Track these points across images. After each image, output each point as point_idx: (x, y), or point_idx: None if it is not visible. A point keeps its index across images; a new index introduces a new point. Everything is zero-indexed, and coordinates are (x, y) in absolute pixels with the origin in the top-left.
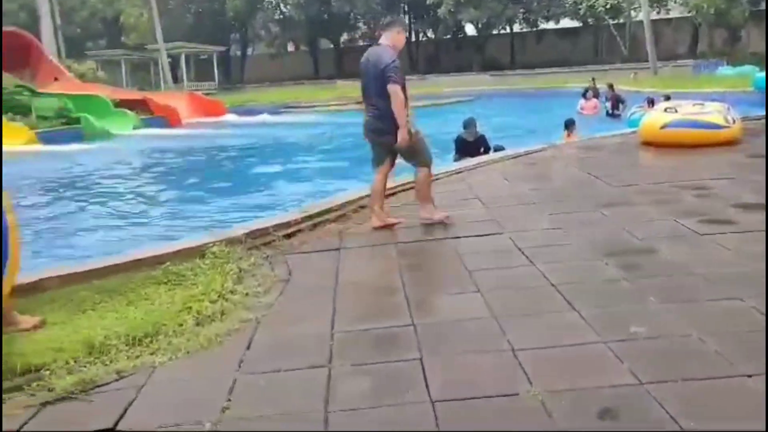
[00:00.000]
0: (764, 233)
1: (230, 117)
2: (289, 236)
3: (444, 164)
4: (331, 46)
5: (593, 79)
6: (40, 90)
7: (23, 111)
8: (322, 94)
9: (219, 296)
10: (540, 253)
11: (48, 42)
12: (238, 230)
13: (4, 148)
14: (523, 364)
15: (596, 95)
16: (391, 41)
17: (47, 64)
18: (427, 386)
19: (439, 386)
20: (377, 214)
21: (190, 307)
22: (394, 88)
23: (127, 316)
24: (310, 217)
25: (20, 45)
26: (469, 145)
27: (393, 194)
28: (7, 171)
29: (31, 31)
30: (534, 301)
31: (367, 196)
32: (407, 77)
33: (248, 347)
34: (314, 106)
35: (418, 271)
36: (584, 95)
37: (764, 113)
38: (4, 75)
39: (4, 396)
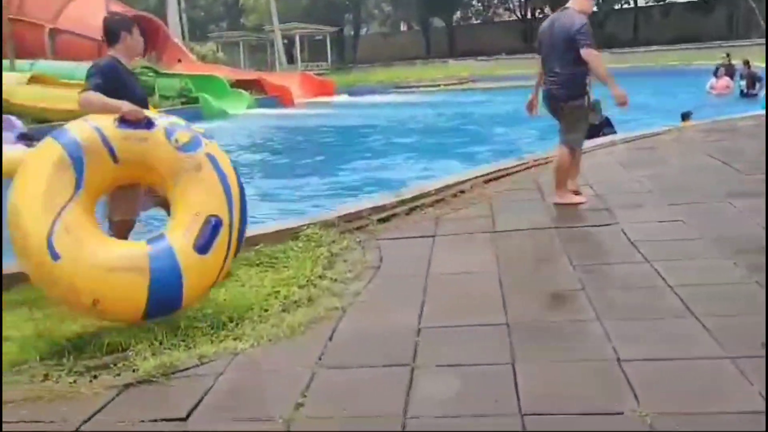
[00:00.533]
0: None
1: (340, 97)
2: (383, 220)
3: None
4: (444, 24)
5: (728, 55)
6: (163, 71)
7: (148, 91)
8: (432, 74)
9: (308, 281)
10: (656, 248)
11: (173, 25)
12: (333, 213)
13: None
14: (629, 378)
15: (730, 73)
16: (578, 5)
17: (172, 47)
18: (517, 396)
19: (531, 397)
20: (561, 190)
21: (278, 291)
22: (588, 52)
23: (216, 297)
24: (405, 201)
25: (148, 29)
26: (593, 128)
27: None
28: None
29: (159, 15)
30: (646, 304)
31: (465, 180)
32: (521, 55)
33: (330, 338)
34: (423, 86)
35: (517, 264)
36: (715, 73)
37: None
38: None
39: (90, 372)
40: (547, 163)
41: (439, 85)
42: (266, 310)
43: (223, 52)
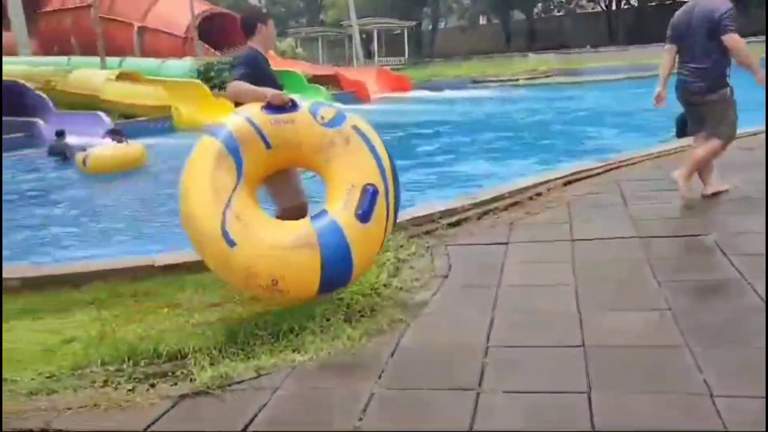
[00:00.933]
0: None
1: (416, 92)
2: (454, 225)
3: (654, 143)
4: (524, 17)
5: None
6: None
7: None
8: (511, 68)
9: (372, 289)
10: (754, 263)
11: None
12: (402, 215)
13: (212, 121)
14: (722, 415)
15: None
16: None
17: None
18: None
19: None
20: (708, 179)
21: (341, 299)
22: (732, 37)
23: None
24: (478, 205)
25: (228, 25)
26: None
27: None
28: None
29: (240, 12)
30: (743, 330)
31: (543, 183)
32: (606, 48)
33: (392, 354)
34: (502, 81)
35: (594, 278)
36: None
37: None
38: (214, 53)
39: (149, 380)
40: (632, 164)
41: (518, 80)
42: (328, 320)
43: (302, 48)
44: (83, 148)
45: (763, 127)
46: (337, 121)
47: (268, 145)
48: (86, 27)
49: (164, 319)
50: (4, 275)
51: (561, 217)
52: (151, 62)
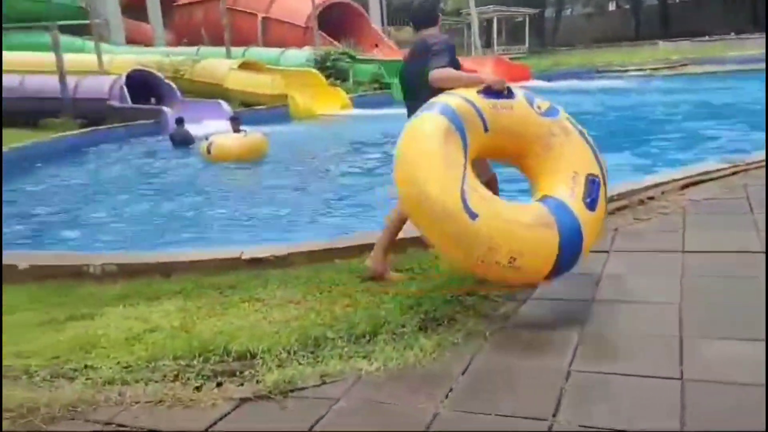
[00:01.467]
0: None
1: (536, 82)
2: None
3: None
4: (656, 2)
5: None
6: (360, 56)
7: (344, 76)
8: (639, 57)
9: (454, 296)
10: None
11: (374, 11)
12: None
13: (326, 111)
14: None
15: None
16: None
17: (370, 32)
18: None
19: None
20: None
21: (421, 304)
22: None
23: (356, 305)
24: None
25: (348, 14)
26: None
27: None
28: (318, 132)
29: (361, 1)
30: None
31: (657, 185)
32: (745, 35)
33: (464, 372)
34: (629, 71)
35: (706, 297)
36: None
37: None
38: (332, 43)
39: (216, 378)
40: (763, 167)
41: (645, 70)
42: (403, 326)
43: None
44: (206, 137)
45: None
46: (552, 111)
47: (486, 129)
48: (215, 19)
49: (243, 315)
50: (104, 261)
51: (674, 225)
52: (272, 52)
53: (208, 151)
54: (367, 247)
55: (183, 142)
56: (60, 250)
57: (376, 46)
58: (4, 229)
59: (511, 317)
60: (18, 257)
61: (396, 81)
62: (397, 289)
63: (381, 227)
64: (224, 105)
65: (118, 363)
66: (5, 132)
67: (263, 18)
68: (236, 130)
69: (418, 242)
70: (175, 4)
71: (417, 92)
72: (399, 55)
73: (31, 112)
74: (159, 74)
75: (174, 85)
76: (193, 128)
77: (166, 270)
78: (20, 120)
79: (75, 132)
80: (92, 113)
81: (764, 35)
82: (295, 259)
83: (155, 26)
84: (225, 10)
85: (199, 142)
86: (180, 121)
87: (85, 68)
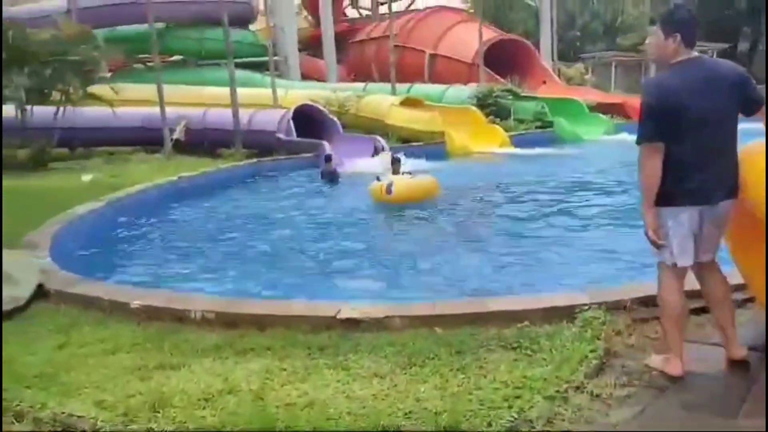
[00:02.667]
0: None
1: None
2: (701, 311)
3: None
4: None
5: None
6: (524, 94)
7: (505, 114)
8: None
9: (558, 391)
10: None
11: (545, 47)
12: (627, 291)
13: (483, 148)
14: None
15: None
16: None
17: (538, 69)
18: None
19: None
20: None
21: (519, 397)
22: None
23: (446, 388)
24: (743, 286)
25: (516, 51)
26: None
27: None
28: (472, 171)
29: (533, 37)
30: None
31: None
32: None
33: None
34: None
35: None
36: None
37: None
38: (498, 79)
39: None
40: None
41: None
42: (490, 425)
43: (595, 74)
44: (378, 177)
45: None
46: None
47: None
48: (385, 55)
49: (323, 384)
50: (205, 308)
51: None
52: (436, 88)
53: (388, 192)
54: (466, 318)
55: (331, 178)
56: (176, 289)
57: (544, 82)
58: (143, 260)
59: (618, 427)
60: (132, 295)
61: (560, 119)
62: (496, 373)
63: (530, 289)
64: (379, 140)
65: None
66: (187, 159)
67: (431, 54)
68: (395, 172)
69: (536, 314)
70: (350, 41)
71: None
72: (566, 92)
73: (211, 142)
74: (323, 109)
75: (336, 120)
76: (349, 162)
77: (261, 322)
78: (202, 149)
79: (240, 163)
80: (263, 145)
81: None
82: (391, 323)
83: (329, 63)
84: (393, 47)
85: (374, 183)
86: (328, 158)
87: (261, 102)
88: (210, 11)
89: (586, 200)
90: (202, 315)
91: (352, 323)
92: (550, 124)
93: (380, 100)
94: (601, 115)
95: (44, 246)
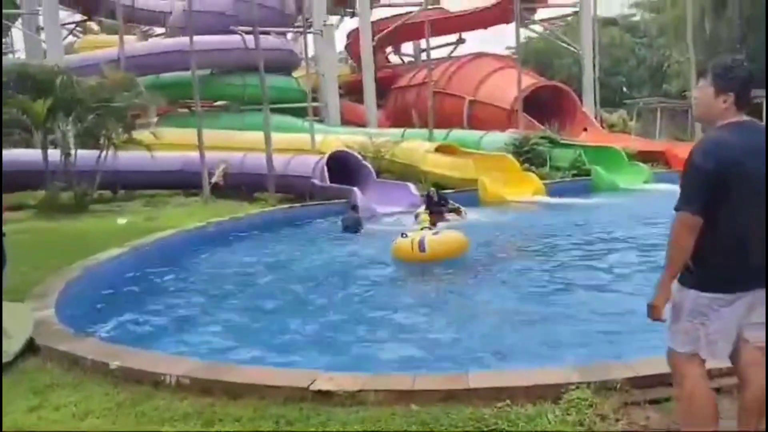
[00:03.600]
0: None
1: None
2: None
3: None
4: None
5: None
6: (562, 141)
7: (542, 161)
8: None
9: None
10: None
11: (587, 93)
12: (619, 369)
13: (517, 196)
14: None
15: None
16: None
17: (579, 115)
18: None
19: None
20: None
21: None
22: None
23: None
24: None
25: (558, 97)
26: None
27: None
28: (505, 220)
29: (576, 83)
30: None
31: None
32: None
33: None
34: None
35: None
36: None
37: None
38: (537, 126)
39: None
40: None
41: None
42: None
43: (639, 120)
44: (403, 234)
45: None
46: None
47: None
48: (426, 101)
49: None
50: (182, 372)
51: None
52: (473, 134)
53: (421, 249)
54: (443, 394)
55: (353, 228)
56: (169, 345)
57: (585, 129)
58: (147, 312)
59: None
60: (113, 355)
61: (597, 167)
62: None
63: (531, 357)
64: (412, 188)
65: None
66: (224, 203)
67: (470, 100)
68: (434, 224)
69: (519, 392)
70: (392, 87)
71: None
72: (607, 140)
73: (249, 186)
74: (357, 155)
75: (370, 166)
76: (381, 208)
77: (235, 391)
78: (240, 193)
79: (269, 209)
80: (299, 190)
81: None
82: (366, 397)
83: (369, 108)
84: (432, 93)
85: (401, 239)
86: (353, 207)
87: (301, 147)
88: (253, 58)
89: (615, 255)
90: (177, 380)
91: (325, 395)
92: (588, 173)
93: (415, 146)
94: (640, 163)
95: (53, 295)
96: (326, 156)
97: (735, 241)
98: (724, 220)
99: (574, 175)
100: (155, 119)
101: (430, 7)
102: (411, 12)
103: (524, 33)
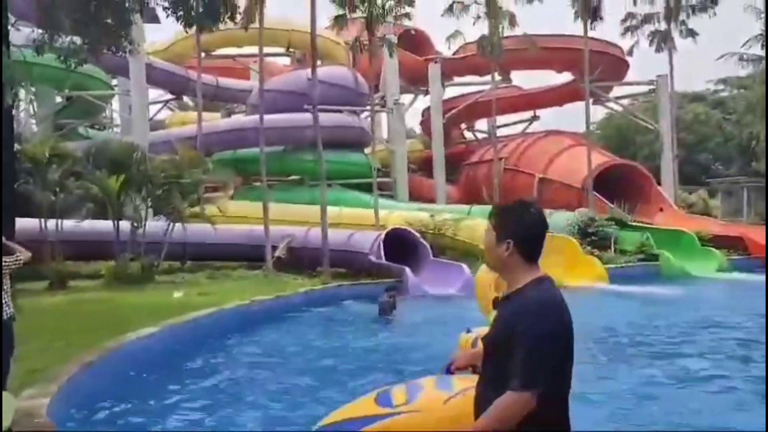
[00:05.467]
0: None
1: None
2: None
3: None
4: None
5: None
6: (632, 222)
7: (606, 243)
8: None
9: None
10: None
11: (666, 171)
12: None
13: (576, 282)
14: None
15: None
16: None
17: (654, 195)
18: None
19: None
20: None
21: None
22: None
23: None
24: None
25: (632, 176)
26: None
27: None
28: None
29: (653, 163)
30: None
31: None
32: None
33: None
34: None
35: None
36: None
37: None
38: (608, 205)
39: None
40: None
41: None
42: None
43: (724, 200)
44: (468, 329)
45: None
46: None
47: None
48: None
49: None
50: None
51: None
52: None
53: (473, 346)
54: None
55: (387, 312)
56: None
57: (661, 210)
58: (148, 407)
59: None
60: None
61: (666, 252)
62: None
63: None
64: (465, 269)
65: None
66: (285, 277)
67: (540, 178)
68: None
69: None
70: (463, 163)
71: None
72: (682, 222)
73: (311, 260)
74: (414, 233)
75: (427, 245)
76: (433, 290)
77: None
78: (302, 267)
79: (316, 287)
80: (358, 265)
81: None
82: None
83: (438, 184)
84: (499, 170)
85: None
86: (391, 289)
87: (365, 222)
88: (325, 135)
89: (675, 355)
90: None
91: None
92: (656, 257)
93: (477, 225)
94: (714, 249)
95: (58, 381)
96: (383, 233)
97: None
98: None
99: (640, 260)
100: (231, 192)
101: (502, 85)
102: (482, 90)
103: (603, 110)
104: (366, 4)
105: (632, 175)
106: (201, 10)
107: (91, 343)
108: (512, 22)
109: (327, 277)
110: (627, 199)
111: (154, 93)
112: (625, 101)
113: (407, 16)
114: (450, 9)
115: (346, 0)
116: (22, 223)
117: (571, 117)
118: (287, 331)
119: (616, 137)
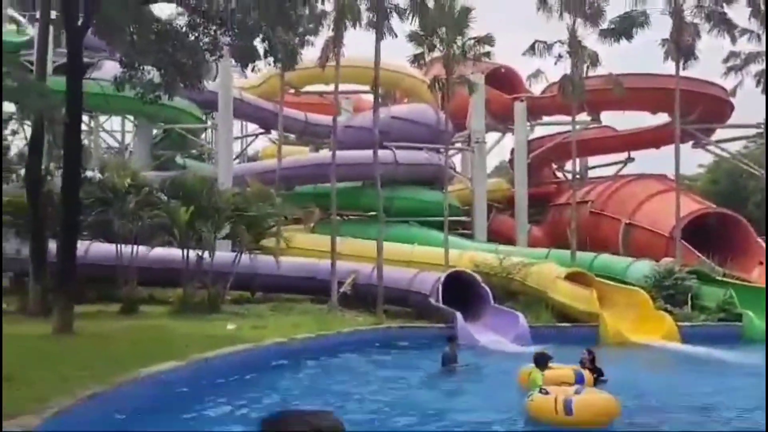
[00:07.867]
0: None
1: None
2: None
3: None
4: None
5: None
6: (712, 276)
7: (682, 299)
8: None
9: None
10: None
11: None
12: None
13: (643, 339)
14: None
15: None
16: None
17: (753, 247)
18: None
19: None
20: None
21: None
22: None
23: None
24: None
25: (728, 225)
26: None
27: None
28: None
29: (748, 211)
30: None
31: None
32: None
33: None
34: None
35: None
36: None
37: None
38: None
39: None
40: None
41: None
42: None
43: None
44: (543, 389)
45: None
46: None
47: None
48: (581, 221)
49: None
50: None
51: None
52: (620, 262)
53: (568, 412)
54: None
55: (447, 364)
56: None
57: (761, 263)
58: None
59: None
60: None
61: (750, 313)
62: None
63: None
64: (521, 319)
65: None
66: (347, 314)
67: (626, 224)
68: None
69: None
70: (551, 204)
71: None
72: None
73: (375, 297)
74: (476, 276)
75: (488, 290)
76: (484, 339)
77: None
78: (368, 304)
79: (362, 327)
80: (420, 306)
81: None
82: None
83: (519, 225)
84: (582, 213)
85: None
86: (452, 339)
87: (436, 262)
88: (401, 172)
89: None
90: None
91: None
92: (739, 317)
93: (547, 271)
94: None
95: (48, 412)
96: (444, 275)
97: None
98: None
99: (721, 320)
100: (312, 225)
101: (593, 125)
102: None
103: (705, 155)
104: (443, 44)
105: (729, 225)
106: (266, 56)
107: (114, 373)
108: (594, 62)
109: (381, 317)
110: (726, 250)
111: (252, 126)
112: (734, 144)
113: (487, 55)
114: (532, 48)
115: (422, 38)
116: (99, 248)
117: (670, 159)
118: (306, 375)
119: (726, 182)
